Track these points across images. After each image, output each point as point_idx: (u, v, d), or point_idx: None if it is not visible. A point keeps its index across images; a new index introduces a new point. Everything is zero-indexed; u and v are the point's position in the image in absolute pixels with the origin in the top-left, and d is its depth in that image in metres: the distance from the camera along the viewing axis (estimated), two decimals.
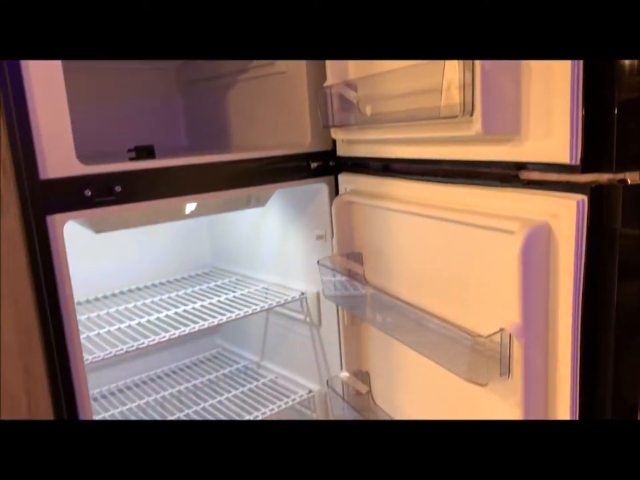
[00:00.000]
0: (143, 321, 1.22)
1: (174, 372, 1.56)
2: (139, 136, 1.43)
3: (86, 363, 0.99)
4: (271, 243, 1.39)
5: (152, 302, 1.36)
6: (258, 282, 1.45)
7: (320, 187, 1.17)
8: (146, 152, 1.06)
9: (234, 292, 1.39)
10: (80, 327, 1.18)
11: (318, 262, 1.09)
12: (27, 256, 0.82)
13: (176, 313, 1.26)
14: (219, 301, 1.33)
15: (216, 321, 1.20)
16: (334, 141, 1.15)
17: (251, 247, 1.48)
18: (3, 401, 0.82)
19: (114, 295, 1.45)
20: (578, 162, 0.63)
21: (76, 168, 0.86)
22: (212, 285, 1.47)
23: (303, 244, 1.27)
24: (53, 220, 0.84)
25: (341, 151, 1.13)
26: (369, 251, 1.07)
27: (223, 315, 1.22)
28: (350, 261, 1.08)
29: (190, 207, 1.11)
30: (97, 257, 1.42)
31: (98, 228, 1.03)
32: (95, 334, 1.15)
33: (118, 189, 0.90)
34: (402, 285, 0.97)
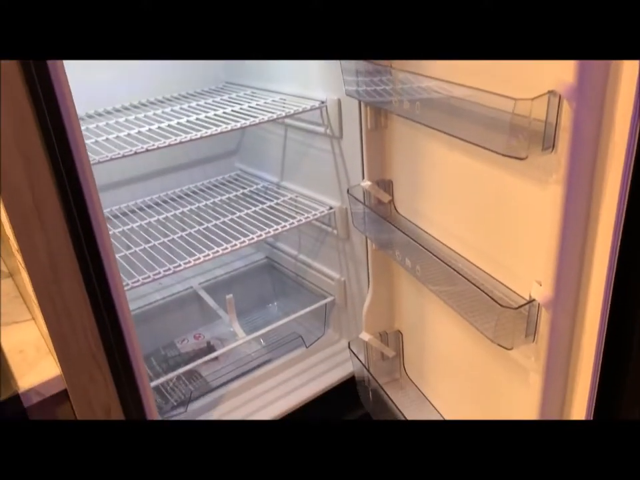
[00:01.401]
0: (154, 127, 1.15)
1: (193, 192, 1.53)
2: None
3: (93, 163, 0.94)
4: None
5: (162, 112, 1.28)
6: (275, 94, 1.34)
7: None
8: None
9: (249, 103, 1.29)
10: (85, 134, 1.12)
11: (347, 191, 1.05)
12: None
13: (188, 121, 1.18)
14: (232, 111, 1.24)
15: (229, 127, 1.12)
16: None
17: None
18: (4, 194, 0.78)
19: (125, 108, 1.37)
20: None
21: None
22: (226, 97, 1.37)
23: None
24: None
25: None
26: (400, 180, 1.01)
27: (237, 122, 1.14)
28: (379, 189, 1.05)
29: None
30: (99, 69, 1.31)
31: None
32: (104, 139, 1.09)
33: None
34: (438, 209, 0.89)
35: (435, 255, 0.82)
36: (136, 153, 1.01)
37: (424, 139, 0.91)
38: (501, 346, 0.73)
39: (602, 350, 0.68)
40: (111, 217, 1.38)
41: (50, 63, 0.74)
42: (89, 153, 0.95)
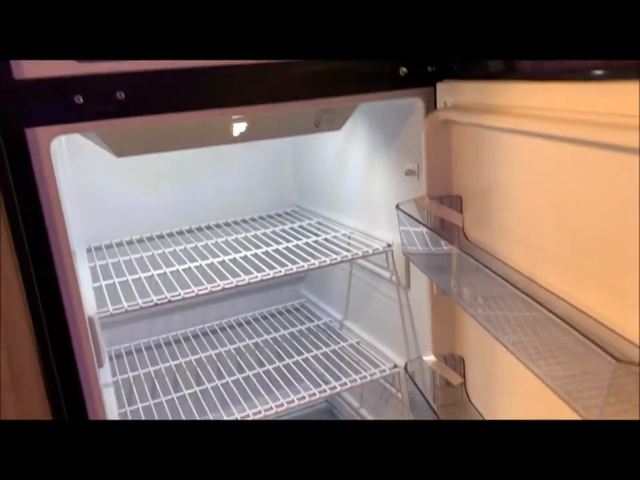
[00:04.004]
0: (206, 262, 1.03)
1: (247, 322, 1.38)
2: None
3: (100, 316, 0.83)
4: (355, 179, 1.11)
5: (215, 243, 1.16)
6: (341, 227, 1.19)
7: (413, 103, 0.85)
8: None
9: (315, 236, 1.14)
10: (123, 269, 1.03)
11: (397, 206, 0.79)
12: None
13: (245, 257, 1.05)
14: (296, 246, 1.09)
15: (282, 271, 0.96)
16: None
17: (335, 184, 1.21)
18: None
19: (184, 232, 1.28)
20: None
21: (63, 65, 0.64)
22: (287, 227, 1.24)
23: (391, 181, 0.97)
24: (34, 134, 0.65)
25: None
26: (472, 193, 0.75)
27: (296, 263, 0.98)
28: (444, 206, 0.77)
29: (238, 127, 0.87)
30: (162, 190, 1.25)
31: (117, 149, 0.83)
32: (136, 278, 0.98)
33: (120, 95, 0.67)
34: (516, 248, 0.65)
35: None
36: (170, 301, 0.88)
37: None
38: None
39: None
40: (152, 349, 1.26)
41: None
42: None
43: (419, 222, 0.74)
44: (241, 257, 1.05)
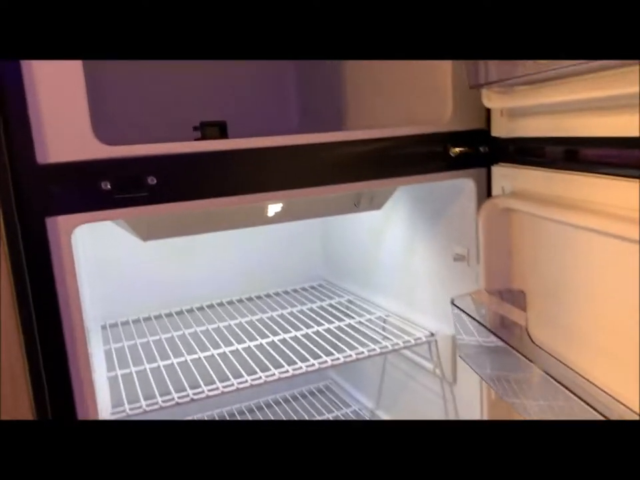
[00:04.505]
0: (230, 349, 0.94)
1: (269, 405, 1.28)
2: (241, 118, 1.16)
3: (116, 417, 0.74)
4: (394, 258, 1.03)
5: (239, 324, 1.08)
6: (375, 307, 1.10)
7: (464, 184, 0.79)
8: (216, 130, 0.77)
9: (345, 319, 1.05)
10: (141, 355, 0.95)
11: (452, 301, 0.71)
12: (11, 275, 0.57)
13: (272, 343, 0.97)
14: (322, 331, 1.00)
15: (315, 365, 0.86)
16: (488, 115, 0.76)
17: (368, 260, 1.13)
18: None
19: (205, 308, 1.20)
20: None
21: (91, 149, 0.59)
22: (316, 305, 1.16)
23: (436, 265, 0.89)
24: (55, 224, 0.58)
25: (499, 130, 0.73)
26: (536, 290, 0.67)
27: (325, 357, 0.88)
28: (504, 303, 0.69)
29: (274, 207, 0.80)
30: (182, 263, 1.18)
31: (144, 234, 0.76)
32: (155, 367, 0.89)
33: (152, 180, 0.61)
34: (593, 357, 0.57)
35: None
36: (192, 400, 0.79)
37: None
38: None
39: None
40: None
41: None
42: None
43: (479, 322, 0.66)
44: (267, 343, 0.97)
